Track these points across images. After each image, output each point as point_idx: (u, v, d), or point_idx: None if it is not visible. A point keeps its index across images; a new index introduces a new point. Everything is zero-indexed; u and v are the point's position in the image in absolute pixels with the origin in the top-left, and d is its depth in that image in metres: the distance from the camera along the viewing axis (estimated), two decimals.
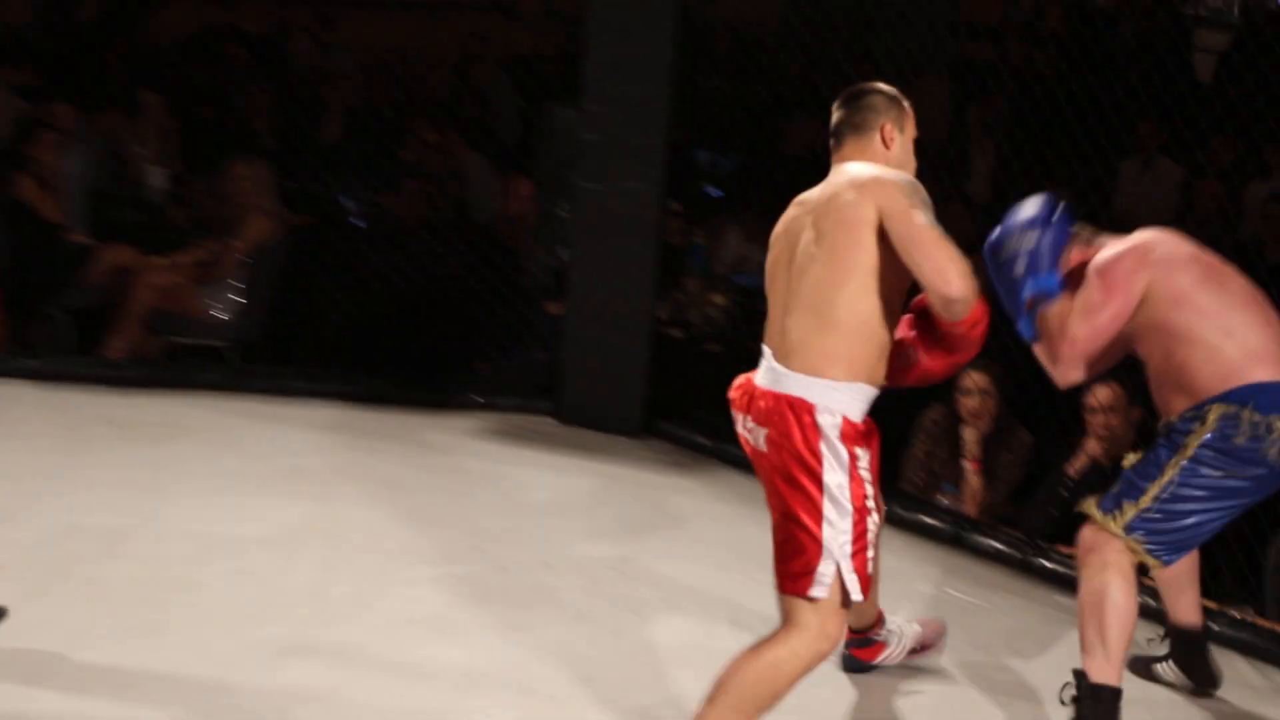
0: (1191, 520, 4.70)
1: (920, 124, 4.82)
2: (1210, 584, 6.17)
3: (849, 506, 4.17)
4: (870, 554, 4.25)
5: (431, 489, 6.36)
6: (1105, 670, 4.73)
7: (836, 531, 4.17)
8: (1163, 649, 5.36)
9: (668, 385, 7.27)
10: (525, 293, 7.76)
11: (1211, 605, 5.83)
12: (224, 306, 8.16)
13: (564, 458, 6.78)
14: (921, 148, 4.83)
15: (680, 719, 4.81)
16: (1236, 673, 5.52)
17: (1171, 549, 4.72)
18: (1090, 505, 4.87)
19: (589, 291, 6.96)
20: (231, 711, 4.63)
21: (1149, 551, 4.70)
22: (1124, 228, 5.04)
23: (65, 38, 9.88)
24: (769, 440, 4.25)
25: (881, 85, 4.65)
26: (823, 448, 4.17)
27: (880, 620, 5.16)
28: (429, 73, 10.81)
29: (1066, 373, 4.89)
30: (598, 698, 4.91)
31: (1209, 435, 4.67)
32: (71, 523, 5.75)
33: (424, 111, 9.64)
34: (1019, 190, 7.84)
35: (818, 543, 4.17)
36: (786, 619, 4.24)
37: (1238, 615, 5.90)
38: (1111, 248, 4.90)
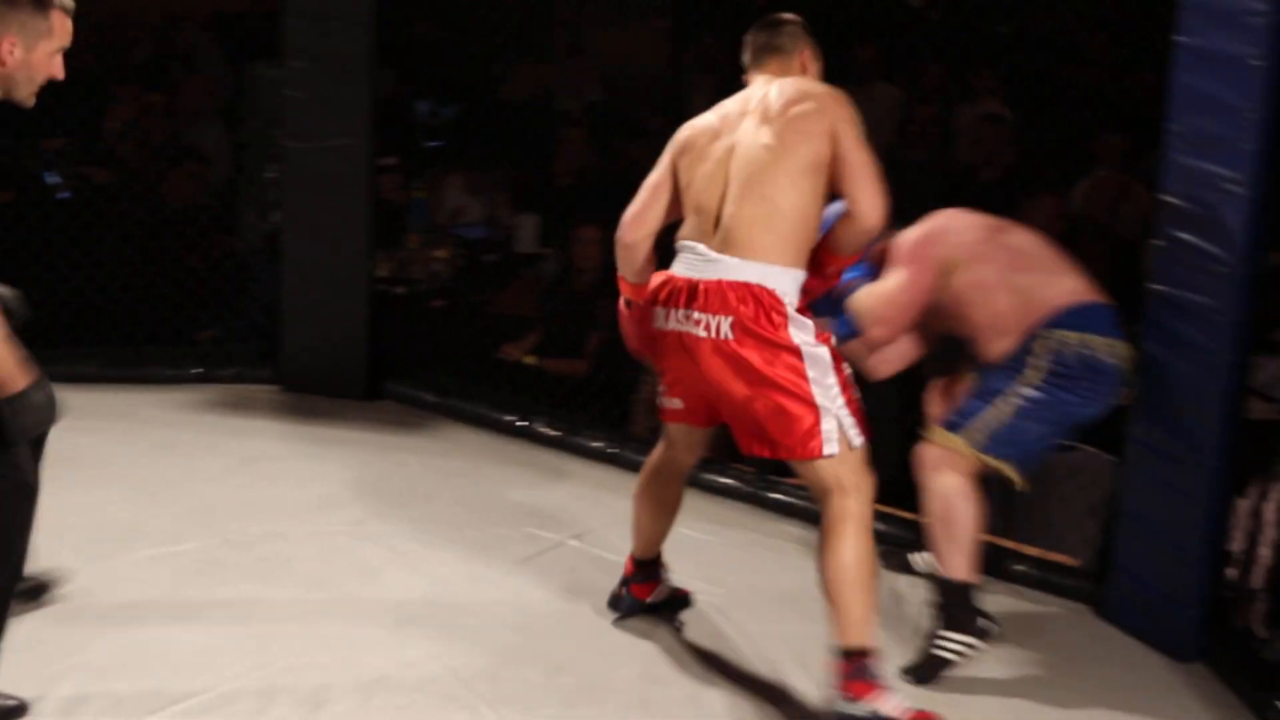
0: (1034, 436, 5.21)
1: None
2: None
3: (828, 360, 4.53)
4: (858, 398, 4.63)
5: (154, 466, 6.35)
6: (961, 568, 5.19)
7: (825, 388, 4.51)
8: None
9: (394, 344, 7.30)
10: (240, 258, 7.74)
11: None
12: None
13: (289, 425, 6.79)
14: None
15: (416, 678, 4.93)
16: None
17: (1022, 463, 5.22)
18: (933, 426, 5.36)
19: (303, 254, 6.95)
20: None
21: (1011, 466, 5.25)
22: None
23: None
24: (736, 326, 4.50)
25: (795, 16, 5.01)
26: (789, 323, 4.50)
27: (661, 559, 5.35)
28: (131, 38, 10.69)
29: (878, 367, 5.56)
30: (335, 662, 4.98)
31: (1040, 360, 5.18)
32: None
33: (126, 78, 9.53)
34: None
35: (812, 404, 4.50)
36: (822, 494, 4.60)
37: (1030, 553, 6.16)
38: (909, 232, 5.41)
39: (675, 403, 4.89)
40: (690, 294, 4.60)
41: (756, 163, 4.58)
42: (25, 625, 5.10)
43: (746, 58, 4.98)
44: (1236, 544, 5.57)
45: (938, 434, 5.29)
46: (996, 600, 5.72)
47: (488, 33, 10.26)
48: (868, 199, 4.54)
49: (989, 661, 5.28)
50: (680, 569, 5.50)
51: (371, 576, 5.58)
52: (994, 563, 5.88)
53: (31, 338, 7.27)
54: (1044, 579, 5.89)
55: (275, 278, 7.07)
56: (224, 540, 5.78)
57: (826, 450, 4.51)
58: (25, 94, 4.31)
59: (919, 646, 5.25)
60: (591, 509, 6.32)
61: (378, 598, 5.44)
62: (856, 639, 4.52)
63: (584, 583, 5.59)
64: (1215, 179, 5.09)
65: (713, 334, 4.54)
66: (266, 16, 7.38)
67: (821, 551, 4.59)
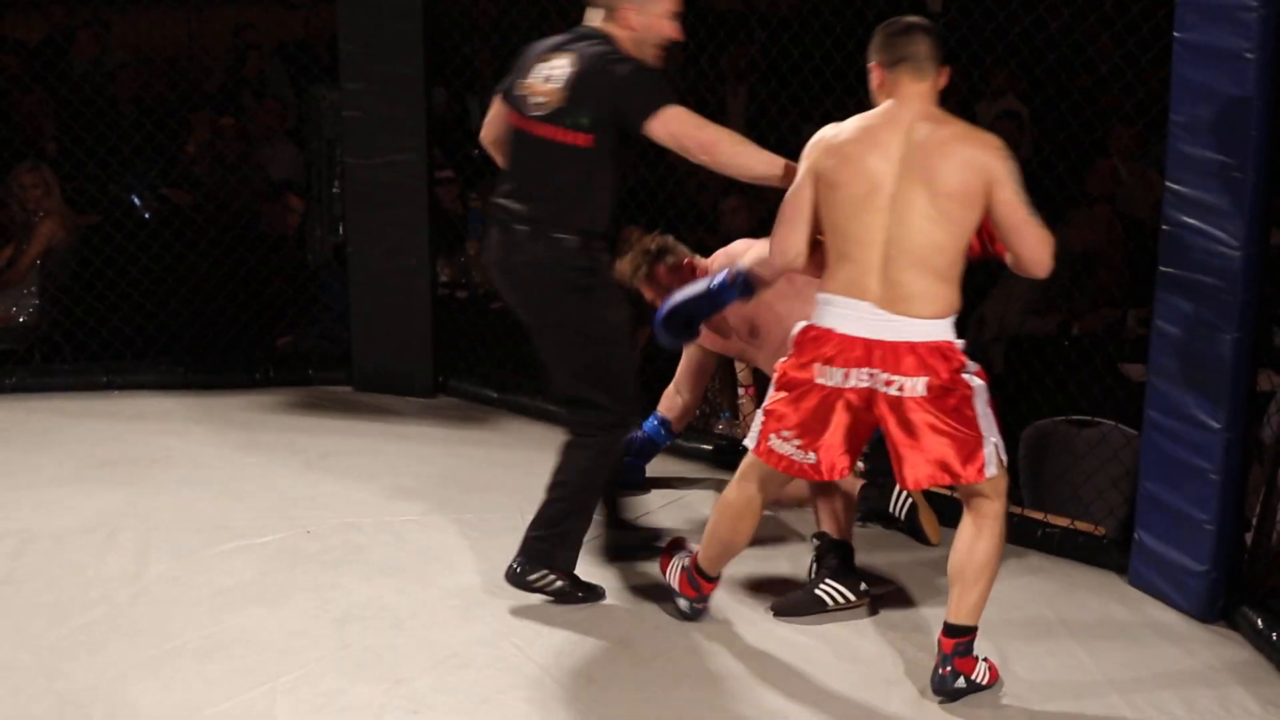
0: None
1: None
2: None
3: (985, 388, 4.59)
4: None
5: (238, 464, 6.39)
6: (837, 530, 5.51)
7: (986, 417, 4.61)
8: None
9: (456, 345, 7.33)
10: (311, 270, 7.78)
11: None
12: (22, 310, 8.13)
13: (361, 423, 6.83)
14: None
15: (487, 656, 4.97)
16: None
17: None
18: None
19: (368, 263, 6.98)
20: (66, 696, 4.67)
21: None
22: None
23: None
24: (932, 385, 4.51)
25: (926, 21, 4.83)
26: (965, 367, 4.55)
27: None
28: (204, 68, 10.74)
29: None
30: (410, 643, 5.04)
31: None
32: None
33: (200, 106, 9.60)
34: (776, 132, 8.06)
35: (980, 434, 4.58)
36: (975, 505, 4.69)
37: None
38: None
39: (806, 456, 4.69)
40: (869, 353, 4.54)
41: (924, 235, 4.50)
42: (122, 614, 5.19)
43: (880, 57, 4.68)
44: (1252, 510, 5.58)
45: None
46: (1028, 566, 5.76)
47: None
48: (1031, 252, 4.54)
49: (1024, 623, 5.31)
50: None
51: (441, 562, 5.62)
52: (1025, 532, 5.90)
53: (121, 349, 7.43)
54: (1072, 547, 5.89)
55: (344, 287, 7.11)
56: (302, 532, 5.83)
57: (989, 472, 4.58)
58: (650, 55, 4.89)
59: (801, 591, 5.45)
60: (645, 495, 6.36)
61: (448, 582, 5.48)
62: (970, 618, 4.67)
63: (640, 564, 5.62)
64: (1217, 166, 5.08)
65: (908, 393, 4.51)
66: (327, 43, 7.39)
67: (962, 538, 4.71)
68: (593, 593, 5.37)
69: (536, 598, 5.31)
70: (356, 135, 6.85)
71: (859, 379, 4.55)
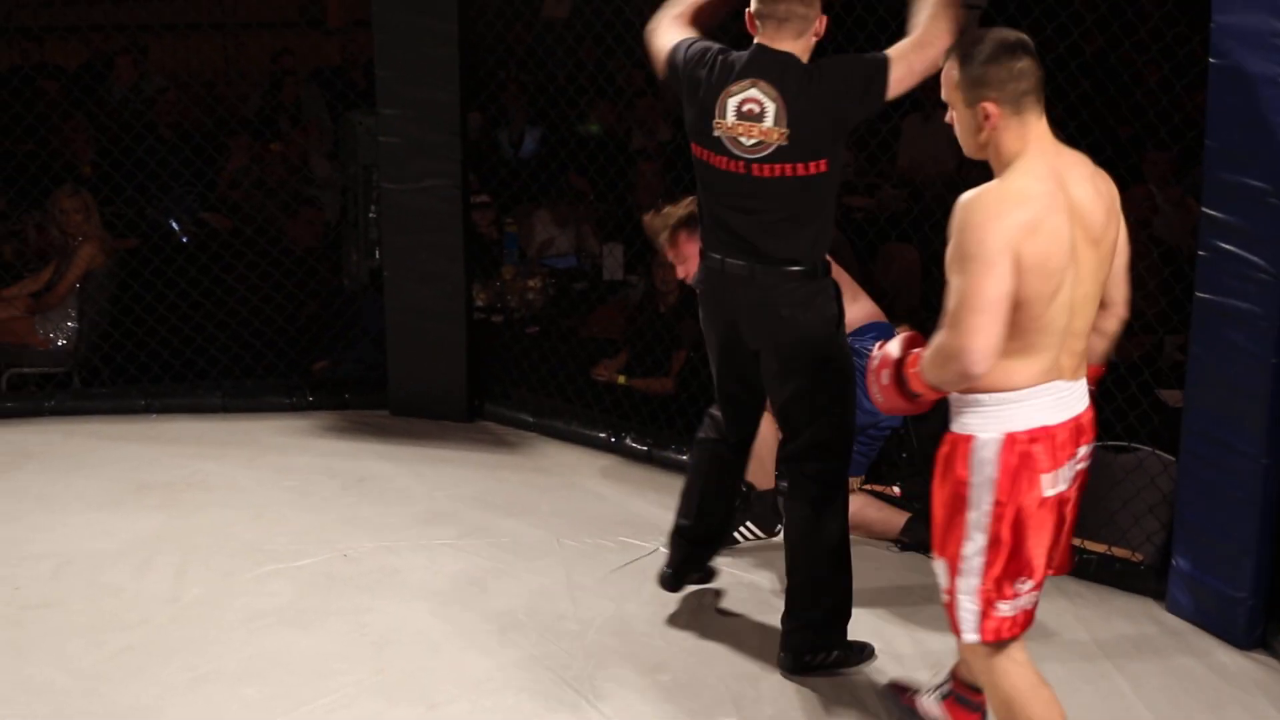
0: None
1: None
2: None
3: None
4: None
5: (274, 488, 6.42)
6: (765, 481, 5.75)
7: None
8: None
9: (492, 369, 7.35)
10: (348, 294, 7.80)
11: None
12: (61, 335, 8.17)
13: (396, 446, 6.84)
14: None
15: (524, 680, 4.99)
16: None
17: None
18: None
19: (404, 288, 7.00)
20: (104, 718, 4.71)
21: None
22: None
23: None
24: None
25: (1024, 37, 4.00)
26: None
27: None
28: (242, 91, 10.81)
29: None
30: (446, 666, 5.06)
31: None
32: None
33: (238, 130, 9.65)
34: None
35: None
36: None
37: None
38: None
39: (1030, 597, 3.99)
40: (1078, 432, 3.95)
41: (1094, 290, 3.91)
42: (159, 636, 5.21)
43: (996, 94, 3.84)
44: None
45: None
46: (1066, 591, 5.73)
47: (568, 74, 10.30)
48: (1126, 292, 4.17)
49: (1061, 650, 5.29)
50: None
51: (476, 586, 5.64)
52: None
53: (159, 373, 7.46)
54: (1109, 573, 5.85)
55: (380, 311, 7.13)
56: (339, 555, 5.85)
57: None
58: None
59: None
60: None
61: (483, 605, 5.49)
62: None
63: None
64: (1254, 192, 5.07)
65: (1085, 460, 4.01)
66: (363, 68, 7.41)
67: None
68: (864, 653, 5.15)
69: (575, 625, 5.32)
70: (392, 160, 6.87)
71: (1075, 466, 3.98)
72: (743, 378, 5.09)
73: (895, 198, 9.01)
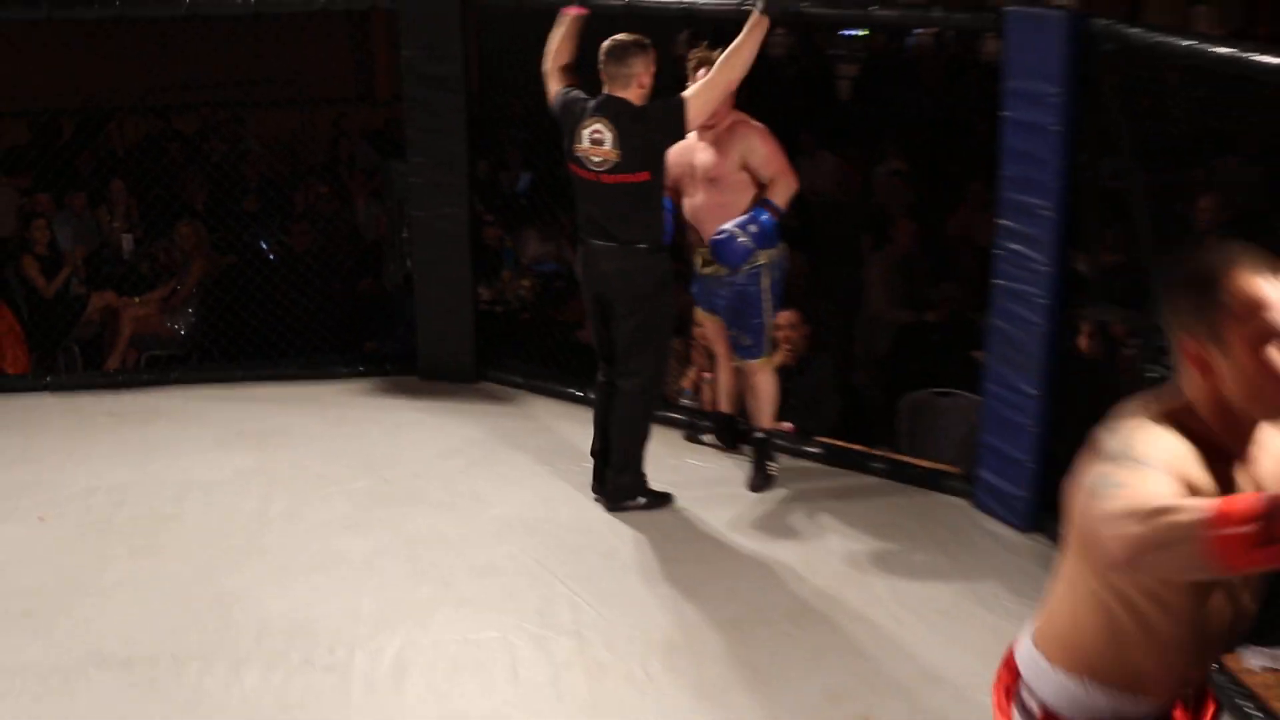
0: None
1: None
2: (862, 434, 6.54)
3: None
4: None
5: (335, 434, 6.44)
6: (771, 422, 5.77)
7: None
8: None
9: (493, 345, 7.34)
10: (388, 293, 7.84)
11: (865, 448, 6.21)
12: (183, 326, 8.25)
13: (423, 401, 6.82)
14: None
15: (514, 566, 5.08)
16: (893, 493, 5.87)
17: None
18: (743, 360, 5.72)
19: (428, 287, 6.98)
20: (216, 597, 4.85)
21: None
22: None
23: (52, 149, 9.81)
24: None
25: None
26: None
27: None
28: (312, 147, 10.85)
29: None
30: (458, 557, 5.16)
31: (770, 264, 5.53)
32: (88, 484, 5.84)
33: (309, 174, 9.68)
34: None
35: None
36: None
37: (880, 452, 6.26)
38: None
39: None
40: None
41: None
42: (254, 540, 5.30)
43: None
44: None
45: (757, 362, 5.69)
46: (906, 492, 5.84)
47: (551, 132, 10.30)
48: None
49: (900, 535, 5.41)
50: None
51: (481, 500, 5.70)
52: (902, 471, 5.99)
53: (253, 351, 7.52)
54: (935, 482, 5.91)
55: (412, 304, 7.14)
56: (382, 479, 5.90)
57: None
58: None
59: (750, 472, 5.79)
60: None
61: (486, 514, 5.57)
62: None
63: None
64: (1033, 207, 5.18)
65: None
66: (400, 129, 7.43)
67: None
68: (666, 498, 5.56)
69: (551, 526, 5.40)
70: (419, 195, 6.89)
71: None
72: (607, 325, 5.38)
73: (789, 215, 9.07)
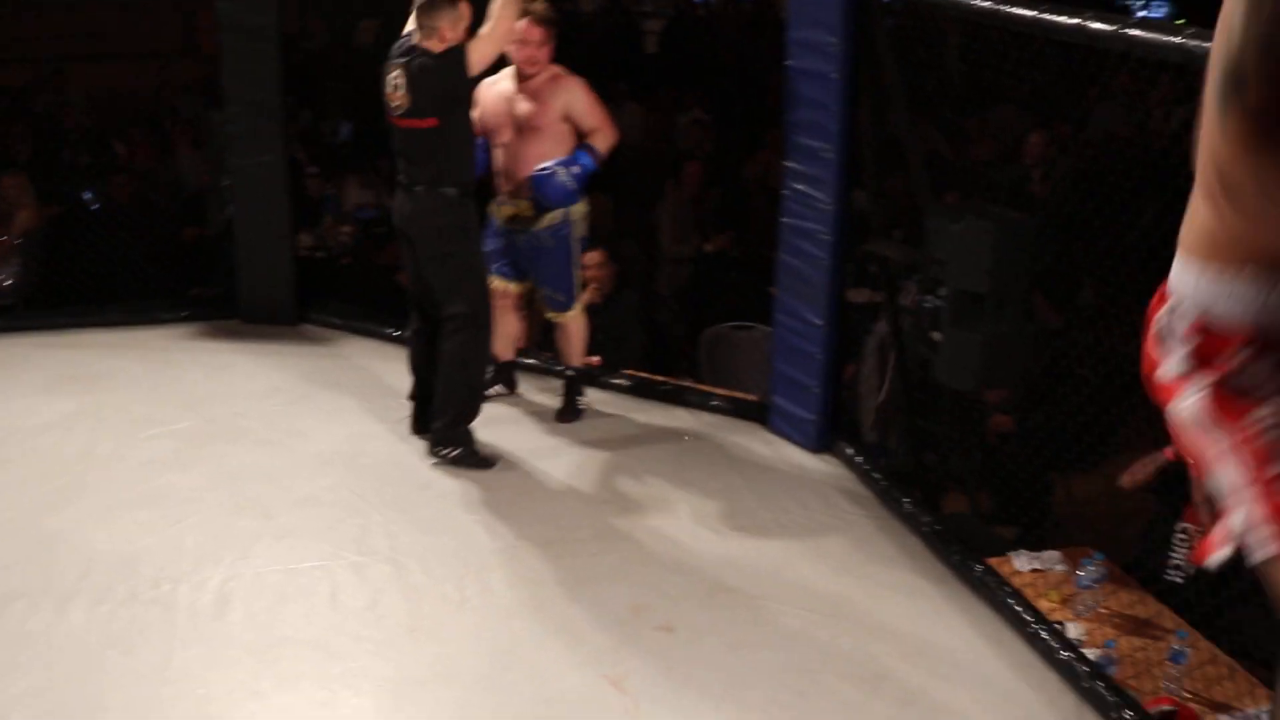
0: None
1: None
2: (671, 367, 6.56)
3: None
4: None
5: (160, 376, 6.26)
6: (581, 359, 5.76)
7: None
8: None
9: (314, 289, 7.20)
10: (211, 239, 7.62)
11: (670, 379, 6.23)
12: (9, 276, 7.91)
13: (246, 343, 6.66)
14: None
15: (333, 496, 5.01)
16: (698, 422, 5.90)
17: None
18: (557, 314, 5.65)
19: (249, 234, 6.83)
20: (44, 537, 4.69)
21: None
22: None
23: None
24: None
25: None
26: None
27: None
28: (136, 101, 10.47)
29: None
30: (280, 491, 5.06)
31: (577, 219, 5.48)
32: None
33: (132, 125, 9.34)
34: None
35: None
36: None
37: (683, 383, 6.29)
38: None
39: None
40: None
41: None
42: (80, 480, 5.13)
43: None
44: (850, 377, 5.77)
45: (570, 313, 5.64)
46: (706, 422, 5.87)
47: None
48: None
49: (703, 458, 5.45)
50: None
51: (303, 435, 5.61)
52: (704, 400, 6.03)
53: (79, 299, 7.27)
54: (735, 409, 5.96)
55: (233, 250, 6.97)
56: (204, 419, 5.77)
57: None
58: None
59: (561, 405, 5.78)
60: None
61: (307, 448, 5.48)
62: None
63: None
64: (816, 150, 5.23)
65: None
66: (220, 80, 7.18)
67: None
68: (487, 461, 5.30)
69: (369, 460, 5.33)
70: (237, 145, 6.70)
71: None
72: (416, 266, 5.25)
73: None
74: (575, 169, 5.32)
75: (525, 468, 5.31)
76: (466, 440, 5.27)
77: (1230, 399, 1.75)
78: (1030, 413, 5.56)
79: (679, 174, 8.31)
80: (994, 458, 5.51)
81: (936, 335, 4.82)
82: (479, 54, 4.97)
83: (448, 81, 4.98)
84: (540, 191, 5.32)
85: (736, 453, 5.55)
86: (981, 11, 4.35)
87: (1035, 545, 4.70)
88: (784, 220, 5.45)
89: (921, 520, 4.85)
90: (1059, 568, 4.48)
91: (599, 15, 12.35)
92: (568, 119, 5.37)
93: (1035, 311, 5.82)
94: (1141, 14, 18.63)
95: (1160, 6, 18.10)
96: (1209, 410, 1.77)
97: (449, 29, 4.96)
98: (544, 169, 5.30)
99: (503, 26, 5.01)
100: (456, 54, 4.95)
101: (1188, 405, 1.80)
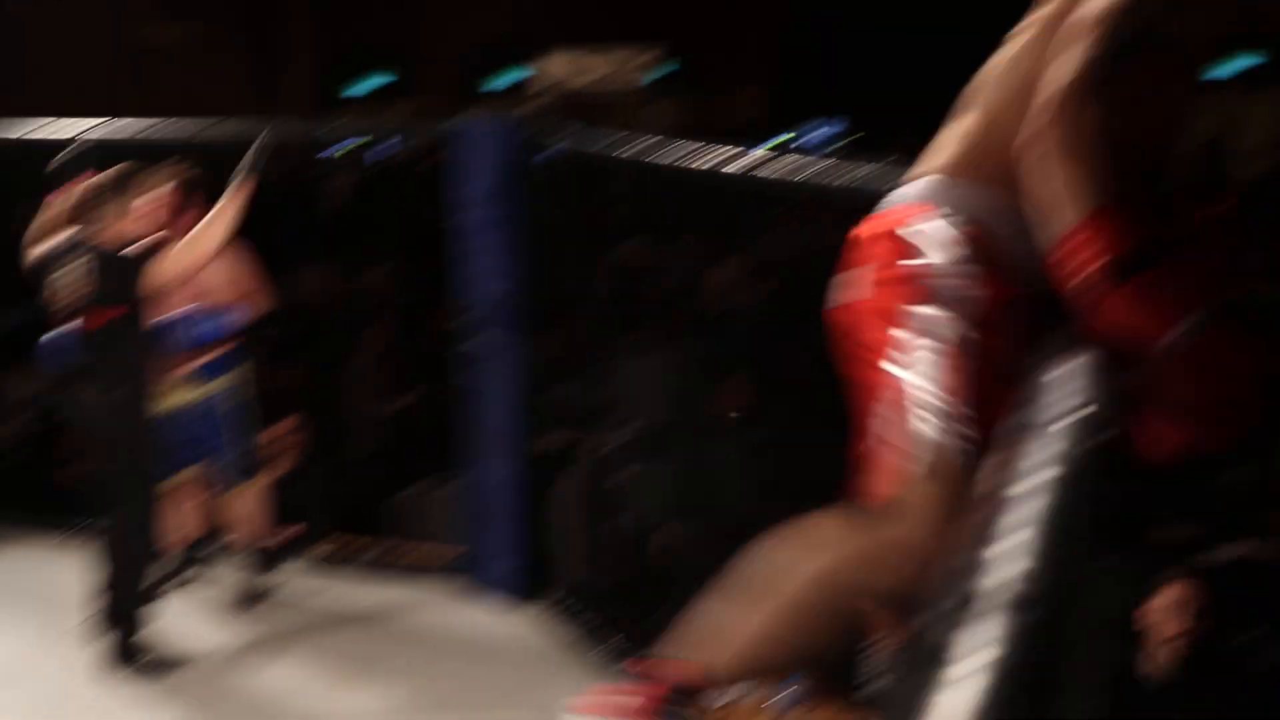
0: None
1: None
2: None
3: None
4: None
5: None
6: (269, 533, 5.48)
7: None
8: None
9: None
10: None
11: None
12: None
13: None
14: None
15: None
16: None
17: None
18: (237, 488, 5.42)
19: None
20: None
21: None
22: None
23: None
24: None
25: None
26: None
27: None
28: None
29: None
30: None
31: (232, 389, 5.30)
32: None
33: None
34: None
35: None
36: None
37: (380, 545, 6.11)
38: None
39: None
40: None
41: None
42: None
43: None
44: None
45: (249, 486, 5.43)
46: (406, 582, 5.70)
47: None
48: None
49: (406, 620, 5.30)
50: None
51: None
52: (398, 560, 5.87)
53: None
54: (435, 567, 5.76)
55: None
56: None
57: None
58: None
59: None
60: None
61: None
62: None
63: None
64: (492, 301, 5.20)
65: None
66: None
67: None
68: (167, 663, 4.84)
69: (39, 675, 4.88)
70: None
71: None
72: (87, 458, 5.11)
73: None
74: (218, 321, 5.19)
75: (215, 660, 5.00)
76: (142, 645, 4.84)
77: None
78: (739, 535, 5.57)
79: (369, 332, 8.23)
80: (702, 582, 5.50)
81: (625, 472, 4.84)
82: (175, 261, 4.72)
83: (126, 275, 4.73)
84: (186, 334, 5.15)
85: (439, 613, 5.40)
86: (630, 156, 4.44)
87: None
88: (464, 373, 5.39)
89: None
90: (751, 696, 4.46)
91: (282, 176, 12.21)
92: (222, 281, 5.21)
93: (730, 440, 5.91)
94: (813, 134, 19.55)
95: (831, 126, 19.07)
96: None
97: (123, 220, 4.76)
98: (186, 312, 5.13)
99: (208, 245, 4.72)
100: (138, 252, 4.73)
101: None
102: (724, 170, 3.92)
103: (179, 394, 5.27)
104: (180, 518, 5.45)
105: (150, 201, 4.88)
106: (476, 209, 5.18)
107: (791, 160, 3.79)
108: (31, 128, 5.99)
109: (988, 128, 2.00)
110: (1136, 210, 1.85)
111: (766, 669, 1.76)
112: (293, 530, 5.92)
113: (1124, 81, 1.83)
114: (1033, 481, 1.43)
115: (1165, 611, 3.81)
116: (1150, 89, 1.87)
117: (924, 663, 0.98)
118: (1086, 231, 1.83)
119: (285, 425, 6.16)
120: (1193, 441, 1.86)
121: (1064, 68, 1.87)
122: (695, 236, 8.02)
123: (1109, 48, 1.84)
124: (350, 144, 12.83)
